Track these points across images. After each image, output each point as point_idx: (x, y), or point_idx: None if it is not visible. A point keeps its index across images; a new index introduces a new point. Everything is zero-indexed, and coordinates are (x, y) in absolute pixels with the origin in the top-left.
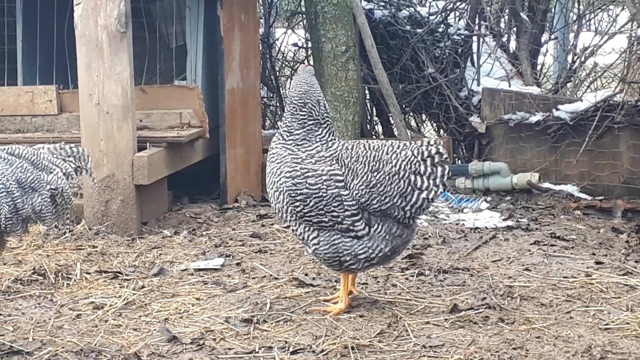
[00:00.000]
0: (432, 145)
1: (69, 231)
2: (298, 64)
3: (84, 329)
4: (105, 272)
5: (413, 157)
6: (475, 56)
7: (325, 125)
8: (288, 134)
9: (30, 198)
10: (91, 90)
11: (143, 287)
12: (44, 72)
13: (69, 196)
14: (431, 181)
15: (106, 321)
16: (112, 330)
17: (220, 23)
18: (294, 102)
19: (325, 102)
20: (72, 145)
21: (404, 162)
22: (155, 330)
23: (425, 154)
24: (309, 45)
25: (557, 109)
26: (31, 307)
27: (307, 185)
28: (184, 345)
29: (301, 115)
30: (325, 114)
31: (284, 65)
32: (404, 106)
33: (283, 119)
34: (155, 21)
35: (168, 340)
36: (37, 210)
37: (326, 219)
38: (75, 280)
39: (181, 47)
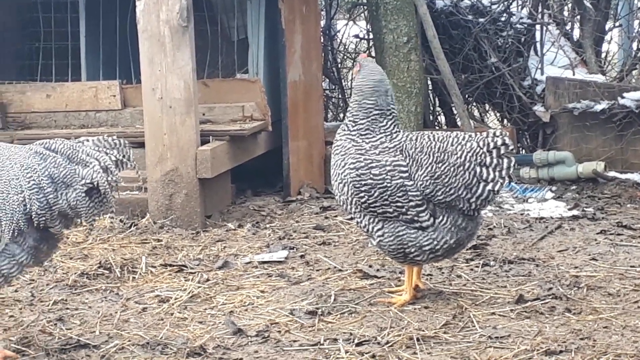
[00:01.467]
0: (497, 136)
1: (134, 225)
2: (359, 55)
3: (150, 322)
4: (170, 265)
5: (478, 148)
6: (538, 45)
7: (390, 117)
8: (353, 124)
9: (64, 193)
10: (154, 85)
11: (208, 280)
12: (107, 67)
13: (106, 190)
14: (497, 173)
15: (172, 314)
16: (178, 323)
17: (281, 15)
18: (357, 89)
19: (392, 93)
20: (115, 137)
21: (470, 154)
22: (220, 323)
23: (491, 145)
24: (371, 36)
25: (623, 97)
26: (97, 301)
27: (372, 175)
28: (249, 337)
29: (368, 104)
30: (392, 105)
31: (345, 57)
32: (466, 96)
33: (349, 109)
34: (217, 14)
35: (233, 333)
36: (72, 206)
37: (390, 210)
38: (140, 273)
39: (243, 40)
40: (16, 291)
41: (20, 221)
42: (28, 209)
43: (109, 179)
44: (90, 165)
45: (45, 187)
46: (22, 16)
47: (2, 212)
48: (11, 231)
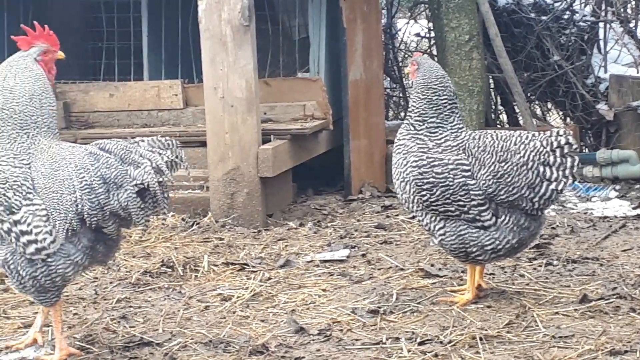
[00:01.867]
0: (561, 135)
1: (196, 224)
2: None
3: (212, 320)
4: (232, 264)
5: (542, 147)
6: (601, 43)
7: (457, 113)
8: (421, 123)
9: (115, 194)
10: (216, 84)
11: (269, 278)
12: (169, 66)
13: (156, 191)
14: (560, 172)
15: (234, 312)
16: (240, 321)
17: (342, 14)
18: (419, 87)
19: (451, 86)
20: (168, 137)
21: (533, 153)
22: (282, 321)
23: (555, 144)
24: (432, 34)
25: None
26: (160, 299)
27: (434, 174)
28: (311, 336)
29: (442, 100)
30: (452, 99)
31: (406, 55)
32: (529, 95)
33: (412, 109)
34: (278, 14)
35: (295, 332)
36: (124, 206)
37: (452, 209)
38: (203, 272)
39: (304, 39)
40: (80, 289)
41: (74, 221)
42: (80, 209)
43: (161, 179)
44: (142, 166)
45: (96, 188)
46: (85, 16)
47: (56, 212)
48: (65, 231)
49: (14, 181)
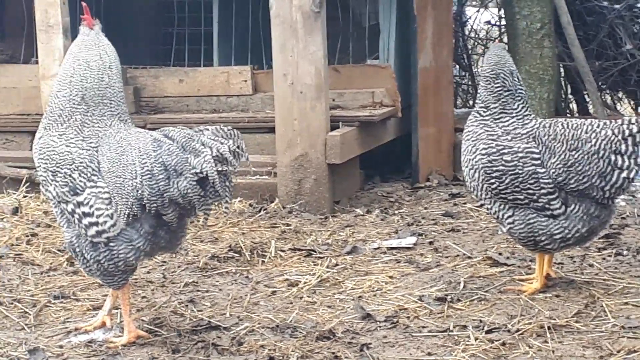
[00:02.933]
0: (633, 123)
1: (263, 209)
2: (491, 42)
3: (279, 305)
4: (299, 249)
5: (613, 136)
6: None
7: (520, 99)
8: (485, 110)
9: (175, 181)
10: (285, 70)
11: (336, 264)
12: (238, 52)
13: (215, 180)
14: (632, 160)
15: (301, 298)
16: (307, 307)
17: (413, 1)
18: (487, 74)
19: (518, 74)
20: (230, 127)
21: (604, 141)
22: (349, 307)
23: (627, 132)
24: (503, 22)
25: None
26: (227, 284)
27: (503, 162)
28: (377, 323)
29: (496, 87)
30: (520, 86)
31: (476, 43)
32: (600, 83)
33: (478, 96)
34: (349, 1)
35: (362, 318)
36: (183, 194)
37: (522, 197)
38: (270, 257)
39: (374, 26)
40: (148, 272)
41: (134, 206)
42: (140, 195)
43: (221, 168)
44: (202, 154)
45: (157, 174)
46: (157, 2)
47: (119, 196)
48: (126, 216)
49: (80, 162)
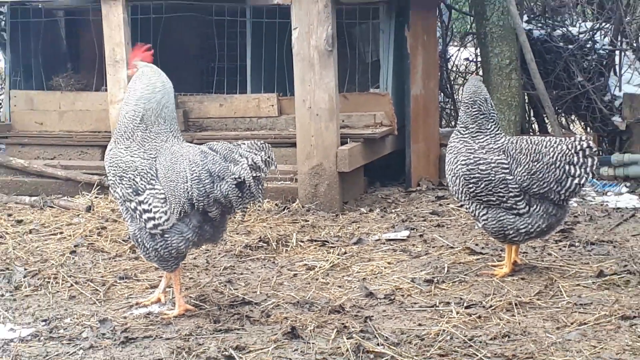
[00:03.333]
0: (583, 140)
1: (287, 208)
2: (469, 75)
3: (299, 285)
4: (315, 240)
5: (567, 150)
6: (617, 67)
7: (492, 121)
8: (464, 129)
9: (218, 185)
10: (304, 97)
11: (345, 253)
12: (267, 82)
13: (251, 184)
14: (582, 169)
15: (316, 279)
16: (321, 287)
17: (407, 42)
18: (466, 101)
19: (491, 101)
20: (263, 142)
21: (560, 155)
22: (355, 287)
23: (578, 147)
24: (478, 59)
25: None
26: (258, 268)
27: (479, 170)
28: (378, 299)
29: (473, 111)
30: (492, 111)
31: (457, 76)
32: (556, 108)
33: (459, 118)
34: (355, 41)
35: (366, 296)
36: (224, 195)
37: (494, 199)
38: (291, 247)
39: (375, 62)
40: (194, 258)
41: (185, 205)
42: (190, 195)
43: (255, 175)
44: (240, 163)
45: (203, 179)
46: (202, 43)
47: (173, 196)
48: (178, 212)
49: (142, 169)
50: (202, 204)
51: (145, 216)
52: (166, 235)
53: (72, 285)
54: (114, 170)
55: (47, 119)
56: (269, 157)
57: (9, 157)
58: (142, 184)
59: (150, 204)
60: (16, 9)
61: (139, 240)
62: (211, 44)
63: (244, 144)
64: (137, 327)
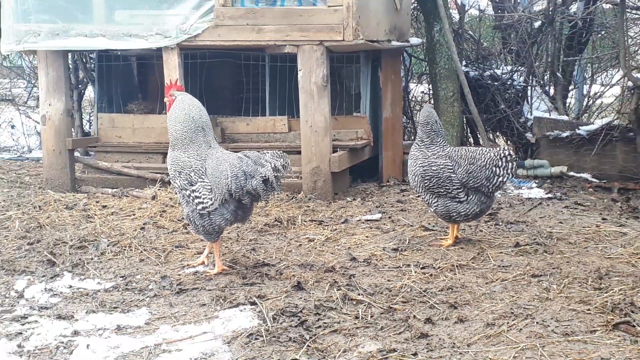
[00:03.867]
0: (505, 150)
1: (294, 198)
2: (424, 103)
3: (303, 252)
4: (314, 220)
5: (494, 156)
6: (529, 98)
7: (441, 136)
8: (420, 142)
9: (250, 181)
10: (307, 118)
11: (336, 229)
12: (281, 108)
13: (273, 181)
14: (505, 171)
15: (315, 248)
16: (319, 253)
17: (380, 80)
18: (422, 122)
19: (440, 122)
20: (281, 151)
21: (489, 160)
22: (343, 254)
23: (502, 155)
24: (431, 92)
25: (579, 129)
26: (274, 240)
27: (432, 171)
28: (359, 262)
29: (427, 129)
30: (441, 129)
31: (415, 104)
32: (486, 127)
33: (417, 134)
34: (343, 79)
35: (350, 260)
36: (254, 188)
37: (442, 191)
38: (297, 225)
39: (357, 93)
40: (228, 233)
41: (225, 194)
42: (229, 188)
43: (276, 175)
44: (266, 166)
45: (239, 177)
46: (234, 79)
47: (217, 188)
48: (220, 200)
49: (195, 168)
50: (238, 194)
51: (196, 201)
52: (211, 216)
53: (141, 251)
54: (175, 167)
55: (124, 134)
56: (286, 162)
57: (97, 161)
58: (194, 177)
59: (200, 192)
60: (102, 55)
61: (191, 219)
62: (240, 81)
63: (268, 152)
64: (188, 281)
